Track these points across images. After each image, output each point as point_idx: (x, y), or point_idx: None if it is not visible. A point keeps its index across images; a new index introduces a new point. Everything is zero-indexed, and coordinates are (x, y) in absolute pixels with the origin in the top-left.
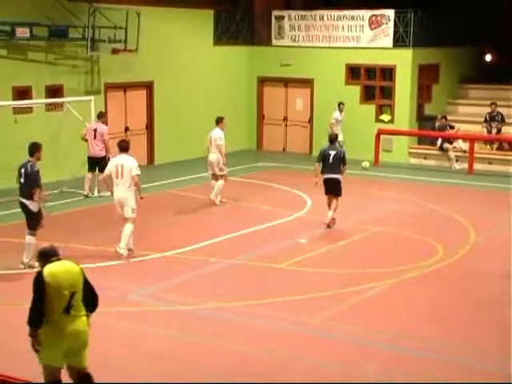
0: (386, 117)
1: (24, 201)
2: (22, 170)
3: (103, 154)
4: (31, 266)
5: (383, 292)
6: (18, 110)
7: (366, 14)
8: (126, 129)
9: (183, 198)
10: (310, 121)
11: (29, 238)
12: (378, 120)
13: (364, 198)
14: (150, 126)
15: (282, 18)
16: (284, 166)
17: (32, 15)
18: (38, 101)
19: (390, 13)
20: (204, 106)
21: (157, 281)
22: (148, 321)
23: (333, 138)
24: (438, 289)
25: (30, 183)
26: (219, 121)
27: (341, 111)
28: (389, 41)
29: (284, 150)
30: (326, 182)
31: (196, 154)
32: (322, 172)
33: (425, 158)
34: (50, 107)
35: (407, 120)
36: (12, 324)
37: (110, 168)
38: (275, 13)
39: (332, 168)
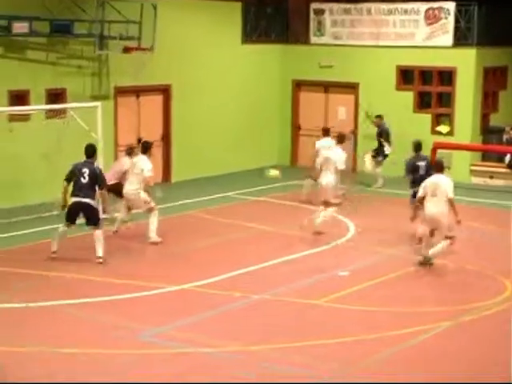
0: (444, 128)
1: (88, 201)
2: (86, 170)
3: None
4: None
5: (437, 336)
6: (13, 118)
7: (422, 6)
8: (139, 140)
9: (204, 222)
10: (354, 132)
11: (99, 233)
12: (434, 132)
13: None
14: (166, 138)
15: (323, 12)
16: None
17: (31, 8)
18: (37, 107)
19: (451, 6)
20: (229, 115)
21: (172, 318)
22: (161, 365)
23: (418, 145)
24: (503, 335)
25: (99, 183)
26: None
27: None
28: (448, 39)
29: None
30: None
31: (218, 170)
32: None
33: (490, 178)
34: (51, 114)
35: (469, 132)
36: None
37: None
38: (314, 6)
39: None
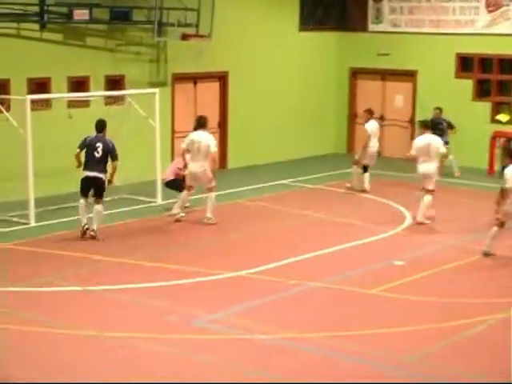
0: (503, 117)
1: (100, 175)
2: (99, 145)
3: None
4: (94, 233)
5: (493, 328)
6: (73, 104)
7: None
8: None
9: (260, 209)
10: (412, 120)
11: (99, 207)
12: (493, 120)
13: (476, 214)
14: (223, 125)
15: None
16: (379, 173)
17: None
18: (96, 93)
19: None
20: (285, 102)
21: (227, 305)
22: (216, 352)
23: None
24: None
25: (112, 157)
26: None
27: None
28: (509, 26)
29: (379, 154)
30: None
31: (274, 157)
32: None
33: None
34: (110, 101)
35: None
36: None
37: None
38: None
39: None
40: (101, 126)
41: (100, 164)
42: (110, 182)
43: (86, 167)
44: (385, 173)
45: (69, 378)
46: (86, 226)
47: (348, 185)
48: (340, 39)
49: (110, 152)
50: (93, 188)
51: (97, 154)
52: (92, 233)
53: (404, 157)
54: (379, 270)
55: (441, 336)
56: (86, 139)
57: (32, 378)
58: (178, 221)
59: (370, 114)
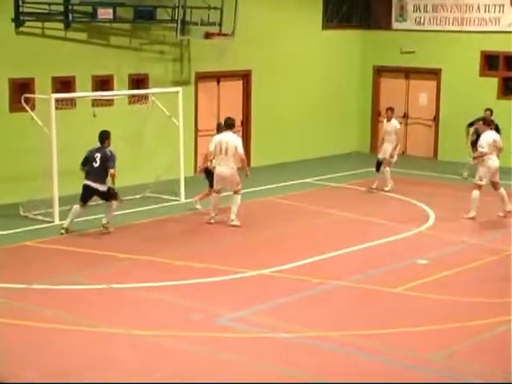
0: None
1: (96, 186)
2: (98, 155)
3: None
4: (106, 228)
5: None
6: (97, 103)
7: None
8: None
9: (283, 207)
10: (436, 119)
11: (111, 203)
12: None
13: (494, 211)
14: (245, 123)
15: None
16: (403, 171)
17: None
18: (121, 92)
19: None
20: (309, 101)
21: (251, 303)
22: (239, 350)
23: None
24: None
25: (109, 164)
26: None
27: (388, 119)
28: None
29: (403, 152)
30: None
31: (297, 156)
32: None
33: None
34: (133, 99)
35: None
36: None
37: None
38: None
39: None
40: (101, 137)
41: (100, 174)
42: (111, 188)
43: (87, 176)
44: (409, 171)
45: (94, 374)
46: (64, 230)
47: (374, 185)
48: (364, 37)
49: (106, 161)
50: (97, 196)
51: (95, 164)
52: (104, 226)
53: (475, 155)
54: (402, 268)
55: (466, 335)
56: (87, 153)
57: (55, 374)
58: (209, 223)
59: (391, 112)
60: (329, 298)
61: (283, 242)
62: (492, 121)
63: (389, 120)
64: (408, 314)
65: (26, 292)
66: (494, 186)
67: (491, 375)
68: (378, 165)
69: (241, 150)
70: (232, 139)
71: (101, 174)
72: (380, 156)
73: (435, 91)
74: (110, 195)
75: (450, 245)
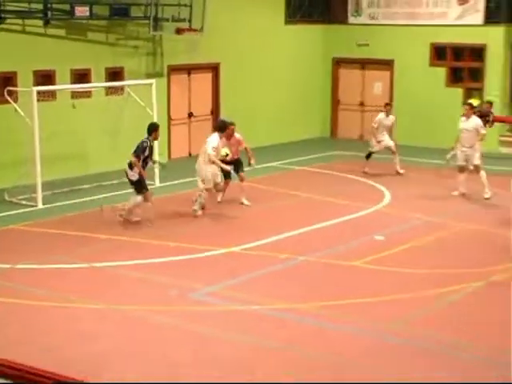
0: (475, 101)
1: (128, 172)
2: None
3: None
4: (120, 215)
5: (468, 296)
6: (76, 95)
7: None
8: (190, 114)
9: (251, 190)
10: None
11: (137, 197)
12: (465, 105)
13: (446, 191)
14: (215, 112)
15: None
16: (361, 155)
17: None
18: (98, 84)
19: None
20: (274, 91)
21: (223, 278)
22: (213, 322)
23: None
24: None
25: (134, 153)
26: None
27: (387, 114)
28: (479, 17)
29: (361, 137)
30: None
31: (264, 142)
32: None
33: None
34: (110, 91)
35: (498, 105)
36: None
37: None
38: None
39: None
40: (148, 128)
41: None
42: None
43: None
44: (364, 154)
45: (79, 346)
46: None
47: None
48: (324, 31)
49: (135, 149)
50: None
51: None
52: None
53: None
54: (362, 244)
55: (422, 303)
56: None
57: (42, 347)
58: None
59: (389, 107)
60: (295, 272)
61: (252, 223)
62: (487, 114)
63: (388, 115)
64: (368, 285)
65: (11, 272)
66: (464, 169)
67: (452, 343)
68: (369, 155)
69: (209, 151)
70: (208, 141)
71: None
72: (376, 148)
73: (389, 81)
74: (136, 185)
75: (405, 222)
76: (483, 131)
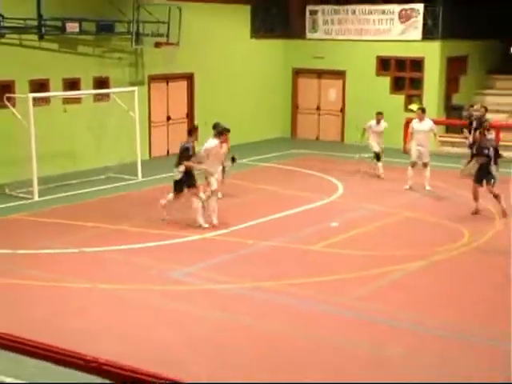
0: (414, 106)
1: (174, 169)
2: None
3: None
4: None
5: (410, 274)
6: (67, 101)
7: (396, 7)
8: (168, 118)
9: (225, 185)
10: (342, 110)
11: (192, 200)
12: (406, 110)
13: (393, 184)
14: (190, 115)
15: (316, 12)
16: (317, 153)
17: (81, 11)
18: (87, 91)
19: (420, 7)
20: (241, 96)
21: (198, 261)
22: (189, 299)
23: None
24: (464, 271)
25: (179, 156)
26: None
27: (378, 122)
28: (418, 34)
29: (317, 138)
30: None
31: (234, 141)
32: None
33: (452, 146)
34: (98, 98)
35: (435, 110)
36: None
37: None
38: (309, 7)
39: None
40: (188, 130)
41: (177, 163)
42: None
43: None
44: (321, 152)
45: (67, 322)
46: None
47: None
48: (285, 45)
49: (180, 153)
50: None
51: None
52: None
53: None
54: (319, 230)
55: (365, 281)
56: None
57: (34, 320)
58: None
59: (379, 116)
60: (262, 255)
61: (222, 213)
62: (483, 120)
63: (378, 122)
64: (326, 266)
65: (12, 256)
66: (415, 165)
67: (388, 314)
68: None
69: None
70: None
71: (178, 163)
72: (377, 147)
73: (341, 88)
74: (176, 185)
75: (355, 210)
76: (436, 130)
